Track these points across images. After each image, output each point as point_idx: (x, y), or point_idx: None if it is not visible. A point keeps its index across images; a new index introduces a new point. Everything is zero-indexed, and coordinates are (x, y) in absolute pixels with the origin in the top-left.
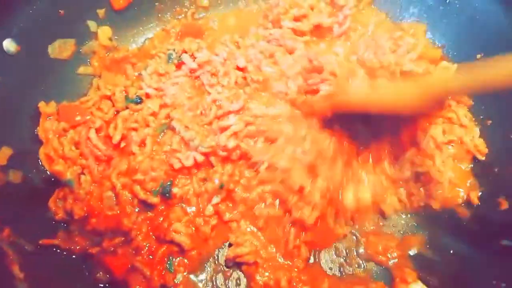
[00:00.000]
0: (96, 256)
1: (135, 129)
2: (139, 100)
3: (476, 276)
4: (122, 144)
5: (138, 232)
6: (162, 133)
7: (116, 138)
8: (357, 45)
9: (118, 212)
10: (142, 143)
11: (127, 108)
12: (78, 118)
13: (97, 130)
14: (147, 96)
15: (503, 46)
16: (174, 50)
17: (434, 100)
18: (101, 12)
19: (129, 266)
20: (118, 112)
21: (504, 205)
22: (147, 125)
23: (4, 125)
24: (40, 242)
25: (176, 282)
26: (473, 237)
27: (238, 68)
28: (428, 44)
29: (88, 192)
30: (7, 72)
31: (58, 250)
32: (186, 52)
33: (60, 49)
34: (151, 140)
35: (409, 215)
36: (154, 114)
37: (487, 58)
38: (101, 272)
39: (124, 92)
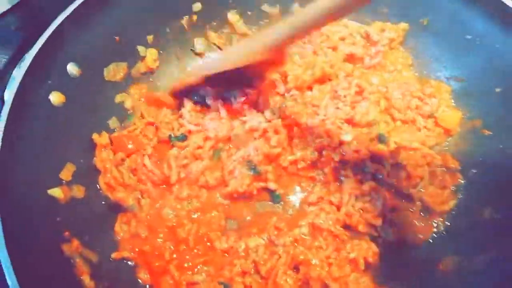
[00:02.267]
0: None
1: (185, 166)
2: (184, 137)
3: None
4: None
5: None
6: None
7: (173, 178)
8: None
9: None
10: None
11: (173, 146)
12: (130, 146)
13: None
14: (190, 132)
15: None
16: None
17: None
18: (150, 38)
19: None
20: (159, 139)
21: None
22: (197, 158)
23: (69, 142)
24: (112, 256)
25: None
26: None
27: None
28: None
29: (149, 213)
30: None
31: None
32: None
33: (114, 71)
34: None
35: None
36: (199, 147)
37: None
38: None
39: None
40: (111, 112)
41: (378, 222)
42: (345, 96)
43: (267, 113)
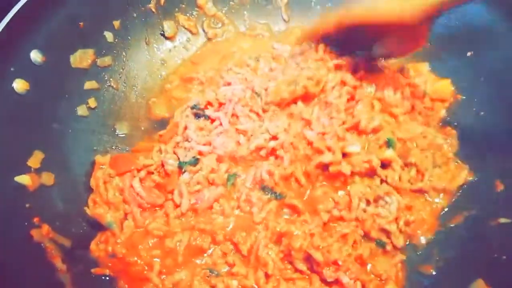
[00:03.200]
0: None
1: (198, 191)
2: (195, 162)
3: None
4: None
5: None
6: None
7: (185, 207)
8: None
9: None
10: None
11: (184, 171)
12: (126, 168)
13: (142, 180)
14: (200, 153)
15: None
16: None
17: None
18: (116, 23)
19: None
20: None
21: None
22: (211, 184)
23: (36, 130)
24: (92, 271)
25: None
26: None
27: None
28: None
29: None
30: (35, 81)
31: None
32: (210, 104)
33: (81, 58)
34: (226, 201)
35: None
36: (213, 171)
37: None
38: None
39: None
40: (80, 100)
41: (393, 228)
42: (337, 104)
43: (269, 125)
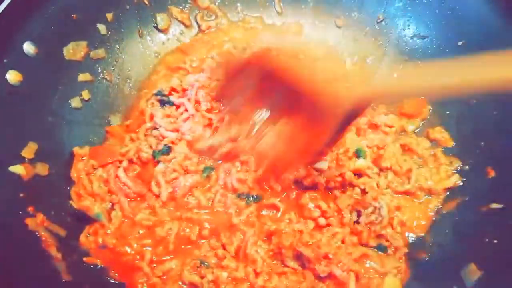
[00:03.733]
0: None
1: (175, 179)
2: (167, 150)
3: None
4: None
5: None
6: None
7: (164, 196)
8: None
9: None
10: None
11: (158, 161)
12: (108, 160)
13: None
14: (173, 142)
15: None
16: (161, 92)
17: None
18: (109, 15)
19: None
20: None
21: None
22: (186, 171)
23: (30, 121)
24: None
25: None
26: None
27: None
28: None
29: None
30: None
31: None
32: (175, 90)
33: (74, 51)
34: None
35: None
36: (187, 158)
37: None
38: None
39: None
40: (74, 91)
41: (389, 231)
42: None
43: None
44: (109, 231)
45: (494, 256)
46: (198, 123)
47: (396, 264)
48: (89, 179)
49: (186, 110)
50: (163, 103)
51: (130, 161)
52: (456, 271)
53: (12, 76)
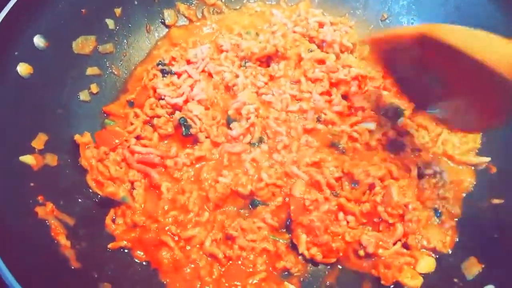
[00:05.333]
0: None
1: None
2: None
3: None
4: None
5: None
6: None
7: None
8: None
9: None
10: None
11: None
12: (116, 141)
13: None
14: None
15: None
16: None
17: None
18: (118, 11)
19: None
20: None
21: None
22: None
23: (39, 113)
24: (109, 246)
25: None
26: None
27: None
28: None
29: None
30: (39, 65)
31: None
32: (174, 59)
33: (83, 45)
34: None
35: None
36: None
37: None
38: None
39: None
40: (83, 85)
41: (450, 195)
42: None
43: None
44: (138, 211)
45: (494, 250)
46: (210, 85)
47: (441, 238)
48: (104, 164)
49: (189, 76)
50: (164, 72)
51: (138, 137)
52: (457, 265)
53: (23, 69)
